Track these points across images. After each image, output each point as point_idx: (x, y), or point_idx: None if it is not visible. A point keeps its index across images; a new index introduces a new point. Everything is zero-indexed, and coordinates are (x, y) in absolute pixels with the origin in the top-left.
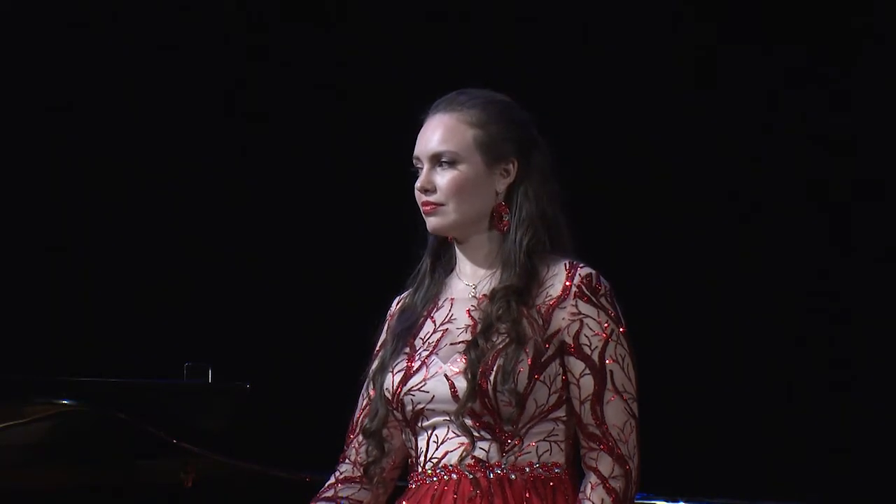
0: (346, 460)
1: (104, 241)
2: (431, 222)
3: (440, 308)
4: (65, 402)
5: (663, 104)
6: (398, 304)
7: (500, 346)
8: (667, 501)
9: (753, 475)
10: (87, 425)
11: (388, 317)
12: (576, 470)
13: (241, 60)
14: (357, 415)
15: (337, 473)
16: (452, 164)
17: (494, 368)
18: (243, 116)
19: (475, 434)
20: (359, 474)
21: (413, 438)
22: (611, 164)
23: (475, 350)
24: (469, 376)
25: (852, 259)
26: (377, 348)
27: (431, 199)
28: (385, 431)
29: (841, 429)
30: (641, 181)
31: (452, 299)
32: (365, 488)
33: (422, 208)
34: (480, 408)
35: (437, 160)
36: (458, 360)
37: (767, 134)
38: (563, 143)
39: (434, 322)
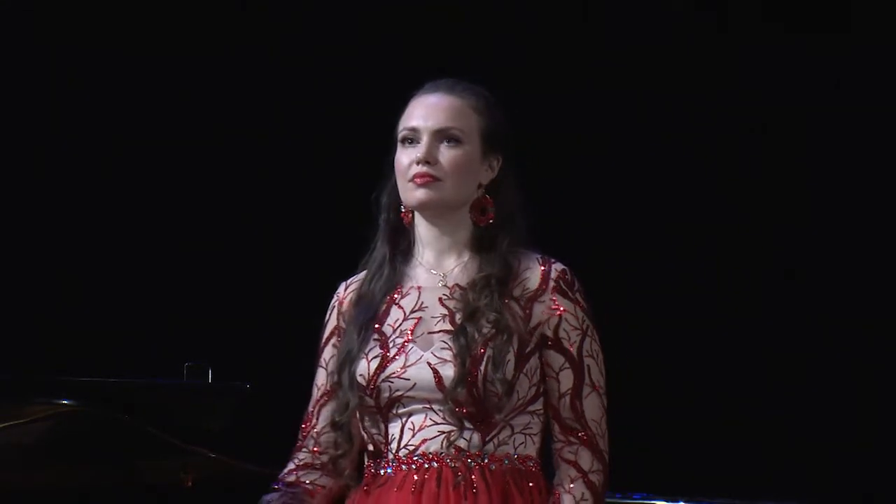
0: (304, 450)
1: (104, 241)
2: (422, 194)
3: (406, 296)
4: (65, 402)
5: (631, 100)
6: (347, 289)
7: (488, 336)
8: (667, 501)
9: (753, 475)
10: (87, 425)
11: (336, 303)
12: (544, 464)
13: (239, 54)
14: (312, 407)
15: (296, 461)
16: (458, 142)
17: (484, 358)
18: (243, 115)
19: (456, 423)
20: (318, 462)
21: (382, 425)
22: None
23: (463, 338)
24: (459, 364)
25: (851, 256)
26: (327, 334)
27: (431, 171)
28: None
29: (841, 428)
30: (600, 179)
31: (419, 287)
32: (326, 475)
33: (415, 180)
34: (466, 397)
35: (442, 136)
36: (443, 348)
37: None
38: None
39: (402, 309)
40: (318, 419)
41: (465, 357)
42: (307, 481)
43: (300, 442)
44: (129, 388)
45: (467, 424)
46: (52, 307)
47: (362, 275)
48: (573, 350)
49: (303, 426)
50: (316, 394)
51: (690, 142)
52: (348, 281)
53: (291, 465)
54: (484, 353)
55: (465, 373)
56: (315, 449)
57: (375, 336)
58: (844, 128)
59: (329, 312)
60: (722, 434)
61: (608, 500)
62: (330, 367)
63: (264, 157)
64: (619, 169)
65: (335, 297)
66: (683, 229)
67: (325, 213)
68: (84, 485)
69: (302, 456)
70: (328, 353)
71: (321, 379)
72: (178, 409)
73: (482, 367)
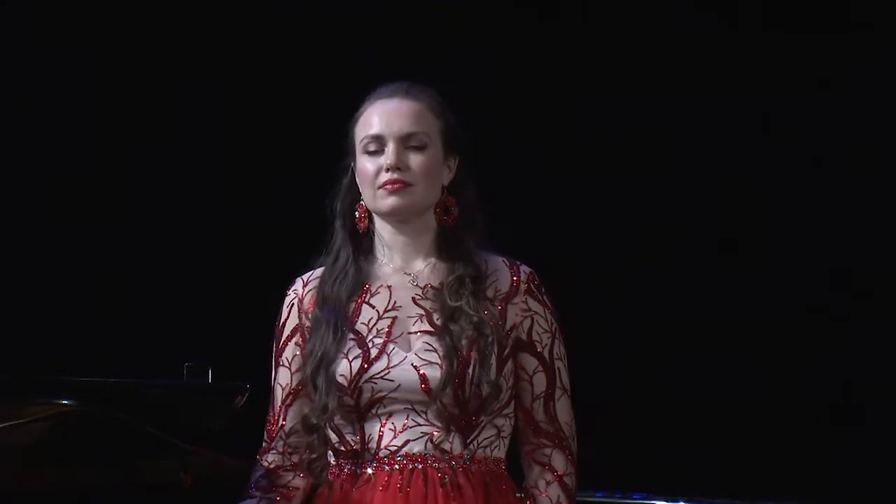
0: (273, 451)
1: (104, 241)
2: (394, 201)
3: (375, 295)
4: (65, 402)
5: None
6: (306, 287)
7: (472, 338)
8: (667, 501)
9: (753, 475)
10: (87, 425)
11: (295, 300)
12: (510, 466)
13: (237, 53)
14: (278, 407)
15: (266, 463)
16: (424, 147)
17: (472, 361)
18: (244, 116)
19: (439, 425)
20: (289, 463)
21: (358, 424)
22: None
23: (448, 339)
24: (446, 367)
25: (851, 255)
26: (288, 333)
27: (403, 177)
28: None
29: (841, 428)
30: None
31: (390, 286)
32: (298, 476)
33: (385, 187)
34: (450, 398)
35: (407, 141)
36: (427, 350)
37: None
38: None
39: (375, 308)
40: (285, 419)
41: (453, 359)
42: (281, 485)
43: (267, 444)
44: (129, 388)
45: (450, 426)
46: (53, 307)
47: (318, 272)
48: (545, 353)
49: (268, 428)
50: (281, 393)
51: (688, 142)
52: (305, 278)
53: (262, 470)
54: (471, 355)
55: (453, 375)
56: (285, 450)
57: (351, 336)
58: (844, 128)
59: (287, 310)
60: (722, 434)
61: (609, 500)
62: (294, 367)
63: (265, 158)
64: (614, 169)
65: (293, 295)
66: (684, 229)
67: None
68: (84, 485)
69: (271, 458)
70: (290, 352)
71: (285, 378)
72: (178, 409)
73: (470, 370)
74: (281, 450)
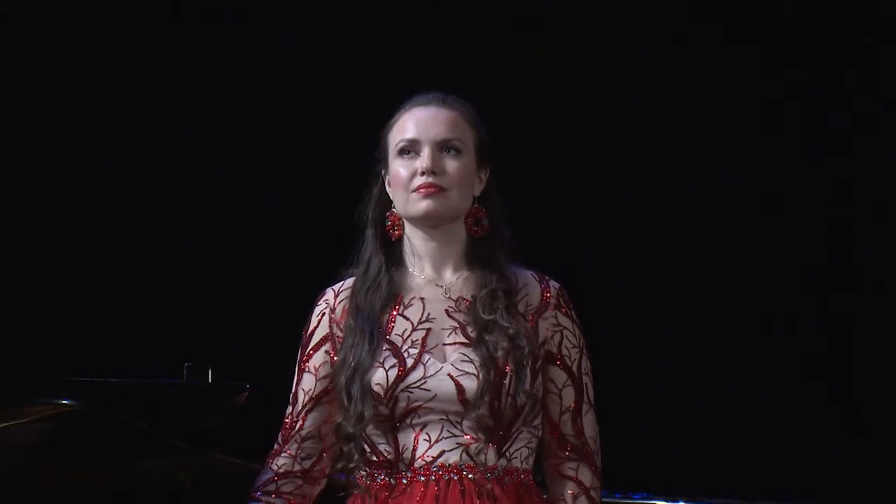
0: (284, 454)
1: (104, 241)
2: (428, 205)
3: (409, 306)
4: (65, 402)
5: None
6: (338, 297)
7: (508, 350)
8: (667, 501)
9: (753, 475)
10: (87, 425)
11: (327, 310)
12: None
13: (236, 53)
14: (299, 412)
15: (275, 467)
16: (459, 152)
17: (508, 372)
18: (244, 116)
19: (474, 436)
20: (299, 467)
21: (391, 435)
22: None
23: (485, 351)
24: (483, 377)
25: (846, 257)
26: (318, 341)
27: (438, 181)
28: (325, 428)
29: (840, 429)
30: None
31: (423, 298)
32: (308, 483)
33: (419, 190)
34: (487, 410)
35: (444, 146)
36: (463, 360)
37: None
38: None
39: (409, 320)
40: (303, 424)
41: (490, 370)
42: (288, 491)
43: (279, 446)
44: (129, 388)
45: (485, 437)
46: (52, 307)
47: (349, 282)
48: (573, 367)
49: (283, 431)
50: (303, 398)
51: (686, 142)
52: (336, 288)
53: (270, 473)
54: (507, 367)
55: (490, 386)
56: (297, 454)
57: (386, 346)
58: (844, 129)
59: (318, 318)
60: (722, 434)
61: (609, 500)
62: (321, 374)
63: (265, 158)
64: (610, 170)
65: (324, 304)
66: (682, 229)
67: (326, 213)
68: (84, 485)
69: (281, 462)
70: (319, 360)
71: (309, 384)
72: (178, 409)
73: (507, 381)
74: (293, 453)
